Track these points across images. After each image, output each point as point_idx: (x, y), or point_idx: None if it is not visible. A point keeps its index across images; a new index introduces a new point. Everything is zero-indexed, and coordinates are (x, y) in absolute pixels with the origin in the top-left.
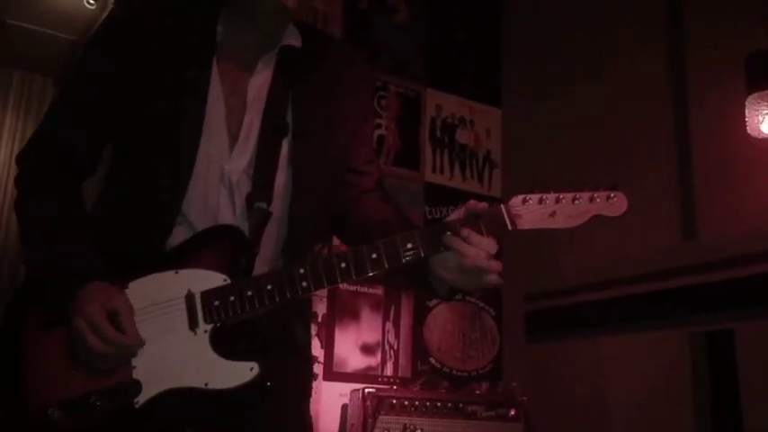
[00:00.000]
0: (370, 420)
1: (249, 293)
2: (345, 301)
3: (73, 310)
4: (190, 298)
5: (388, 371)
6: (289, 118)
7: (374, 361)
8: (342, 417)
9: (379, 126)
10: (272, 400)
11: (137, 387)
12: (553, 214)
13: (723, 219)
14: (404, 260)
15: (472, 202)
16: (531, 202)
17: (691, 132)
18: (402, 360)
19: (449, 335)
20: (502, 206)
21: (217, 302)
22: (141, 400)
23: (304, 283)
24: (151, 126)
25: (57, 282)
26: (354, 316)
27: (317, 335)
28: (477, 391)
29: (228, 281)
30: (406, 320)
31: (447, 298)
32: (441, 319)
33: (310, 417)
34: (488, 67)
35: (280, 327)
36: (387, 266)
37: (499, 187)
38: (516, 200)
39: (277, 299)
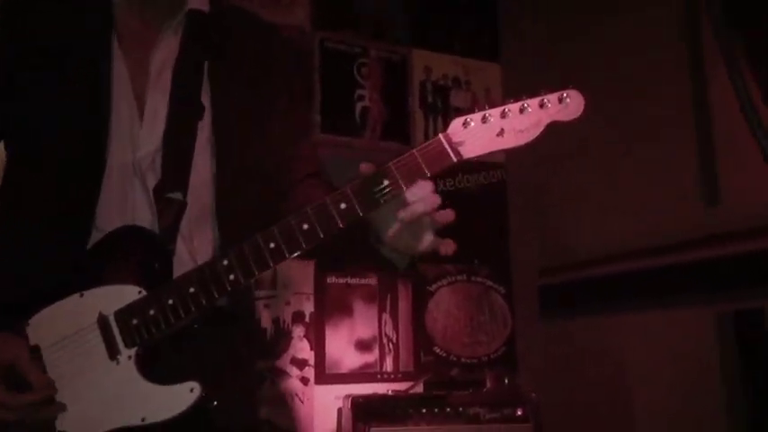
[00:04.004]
0: None
1: (171, 302)
2: (335, 296)
3: None
4: (103, 322)
5: (388, 366)
6: (204, 98)
7: (371, 357)
8: (338, 422)
9: (361, 98)
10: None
11: None
12: (501, 133)
13: (750, 183)
14: (340, 224)
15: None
16: (472, 123)
17: (710, 87)
18: (403, 353)
19: (454, 320)
20: (440, 136)
21: (135, 321)
22: None
23: (231, 276)
24: (51, 123)
25: None
26: (346, 311)
27: (306, 336)
28: (485, 388)
29: (144, 292)
30: (404, 310)
31: (408, 268)
32: (444, 303)
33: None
34: (483, 17)
35: (216, 334)
36: (322, 235)
37: (502, 152)
38: (456, 125)
39: (204, 302)
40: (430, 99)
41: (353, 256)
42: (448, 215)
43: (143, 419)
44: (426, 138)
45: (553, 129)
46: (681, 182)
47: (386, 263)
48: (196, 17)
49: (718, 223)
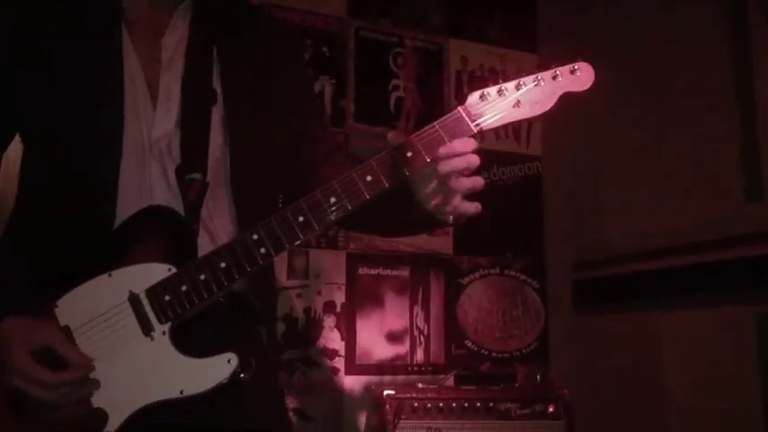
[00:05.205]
0: (389, 427)
1: (202, 277)
2: (366, 287)
3: None
4: (134, 300)
5: (419, 358)
6: (215, 83)
7: (402, 349)
8: (368, 413)
9: (396, 88)
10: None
11: (102, 417)
12: (518, 104)
13: None
14: (367, 195)
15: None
16: (489, 96)
17: (755, 79)
18: (434, 346)
19: (486, 314)
20: (459, 108)
21: (167, 297)
22: (111, 429)
23: (262, 250)
24: (65, 113)
25: None
26: (377, 302)
27: (337, 326)
28: (517, 384)
29: (174, 269)
30: (436, 302)
31: (454, 224)
32: (477, 297)
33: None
34: (520, 6)
35: (244, 309)
36: (350, 207)
37: (539, 144)
38: (473, 98)
39: (236, 275)
40: (466, 90)
41: (403, 219)
42: (477, 181)
43: (181, 392)
44: None
45: (591, 123)
46: (722, 177)
47: (435, 220)
48: (204, 3)
49: (761, 220)
